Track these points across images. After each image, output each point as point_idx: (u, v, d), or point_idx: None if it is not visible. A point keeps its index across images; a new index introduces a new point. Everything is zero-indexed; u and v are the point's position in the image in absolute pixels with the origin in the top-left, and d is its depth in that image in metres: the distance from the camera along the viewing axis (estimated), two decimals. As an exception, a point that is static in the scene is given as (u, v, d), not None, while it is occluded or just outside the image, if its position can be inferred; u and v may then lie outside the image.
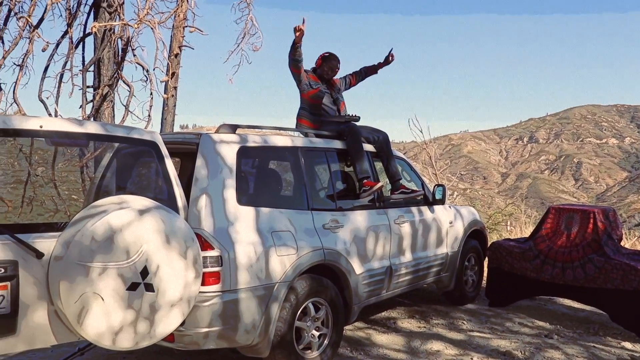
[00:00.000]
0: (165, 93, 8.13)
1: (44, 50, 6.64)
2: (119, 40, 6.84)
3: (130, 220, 3.11)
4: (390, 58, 5.92)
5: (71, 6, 6.68)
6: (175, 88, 8.51)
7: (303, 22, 5.03)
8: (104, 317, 3.00)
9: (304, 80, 5.35)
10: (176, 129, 9.65)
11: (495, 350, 4.90)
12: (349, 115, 5.30)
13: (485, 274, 7.17)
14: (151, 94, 6.92)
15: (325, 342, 4.25)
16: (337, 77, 5.64)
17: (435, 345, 4.94)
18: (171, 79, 8.25)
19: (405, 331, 5.43)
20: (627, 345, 5.30)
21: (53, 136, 3.25)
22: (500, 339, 5.23)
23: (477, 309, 6.43)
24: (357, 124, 5.25)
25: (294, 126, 5.35)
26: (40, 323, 2.98)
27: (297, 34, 5.00)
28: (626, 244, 10.52)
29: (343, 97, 5.64)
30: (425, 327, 5.64)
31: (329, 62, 5.48)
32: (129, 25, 6.70)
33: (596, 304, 5.88)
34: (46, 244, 2.98)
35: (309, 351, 4.15)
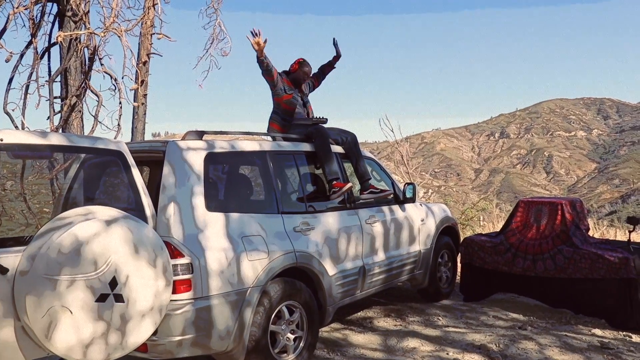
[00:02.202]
0: (134, 101, 8.02)
1: (7, 61, 6.49)
2: (86, 49, 6.73)
3: (97, 231, 3.06)
4: (339, 49, 5.96)
5: (34, 16, 6.56)
6: (144, 96, 8.41)
7: (259, 35, 5.02)
8: (73, 330, 2.94)
9: (279, 85, 5.35)
10: (148, 137, 9.56)
11: (471, 345, 4.94)
12: (316, 117, 5.30)
13: (459, 269, 7.24)
14: (120, 102, 6.82)
15: (301, 344, 4.24)
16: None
17: (412, 343, 4.96)
18: (140, 86, 8.16)
19: (381, 330, 5.44)
20: (597, 332, 5.40)
21: (15, 149, 3.18)
22: (476, 332, 5.28)
23: (452, 305, 6.48)
24: (325, 125, 5.26)
25: (265, 130, 5.33)
26: (7, 340, 2.91)
27: (256, 48, 5.01)
28: (595, 233, 10.73)
29: (309, 101, 5.66)
30: (401, 325, 5.66)
31: (304, 67, 5.50)
32: (95, 34, 6.59)
33: (565, 296, 5.97)
34: (11, 259, 2.92)
35: (285, 355, 4.13)
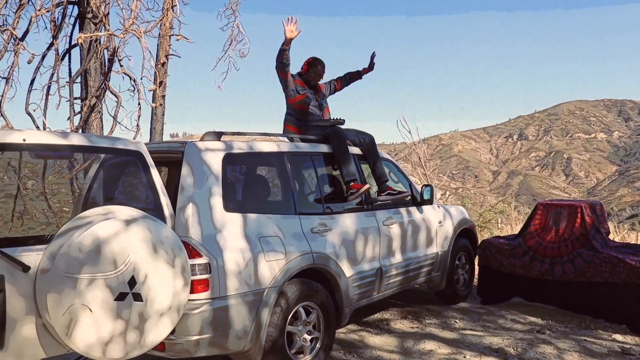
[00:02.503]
0: (153, 102, 8.07)
1: (29, 62, 6.61)
2: (105, 50, 6.81)
3: (117, 231, 3.09)
4: (373, 64, 5.93)
5: (56, 18, 6.65)
6: (163, 97, 8.46)
7: (295, 22, 5.01)
8: (93, 328, 2.98)
9: (291, 86, 5.34)
10: (166, 137, 9.62)
11: (488, 348, 4.90)
12: (333, 118, 5.30)
13: (476, 272, 7.19)
14: (139, 103, 6.89)
15: (318, 345, 4.24)
16: (322, 81, 5.64)
17: (429, 345, 4.94)
18: (159, 87, 8.21)
19: (398, 332, 5.43)
20: (618, 337, 5.33)
21: (37, 149, 3.23)
22: (493, 336, 5.24)
23: (469, 308, 6.44)
24: (343, 127, 5.26)
25: (281, 132, 5.35)
26: (29, 337, 2.96)
27: (288, 35, 4.98)
28: (616, 237, 10.58)
29: (327, 103, 5.65)
30: (418, 327, 5.64)
31: (314, 67, 5.47)
32: (114, 35, 6.67)
33: (584, 301, 5.89)
34: (33, 257, 2.96)
35: (302, 355, 4.14)
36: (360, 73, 5.95)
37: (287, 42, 5.05)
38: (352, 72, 5.97)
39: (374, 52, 5.96)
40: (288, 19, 5.03)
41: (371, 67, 5.94)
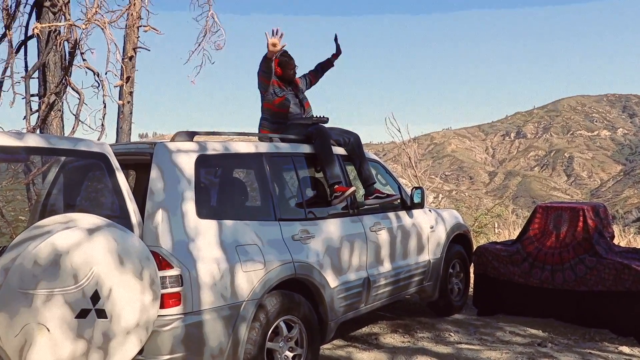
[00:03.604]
0: (119, 99, 8.01)
1: (-21, 56, 6.52)
2: (66, 42, 6.73)
3: (78, 241, 3.05)
4: (339, 46, 6.01)
5: (9, 6, 6.56)
6: (130, 93, 8.40)
7: (280, 36, 5.01)
8: (51, 350, 2.93)
9: (270, 89, 5.37)
10: (134, 138, 9.55)
11: (485, 363, 4.93)
12: (316, 116, 5.30)
13: (471, 280, 7.23)
14: (104, 101, 6.85)
15: (301, 363, 4.23)
16: (297, 76, 5.68)
17: (421, 361, 4.96)
18: (126, 83, 8.15)
19: (388, 347, 5.44)
20: (625, 349, 5.38)
21: (-12, 152, 3.18)
22: (491, 350, 5.27)
23: (464, 319, 6.47)
24: (326, 125, 5.27)
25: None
26: (-22, 361, 2.91)
27: (271, 49, 5.00)
28: (621, 241, 10.71)
29: (307, 97, 5.68)
30: (409, 341, 5.65)
31: (284, 64, 5.47)
32: (76, 25, 6.60)
33: (587, 311, 5.94)
34: (-19, 272, 2.91)
35: (283, 374, 4.12)
36: (331, 60, 6.04)
37: (272, 54, 5.08)
38: (323, 61, 6.05)
39: (335, 34, 6.06)
40: (273, 31, 5.02)
41: (338, 50, 6.04)
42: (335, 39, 6.02)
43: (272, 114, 5.41)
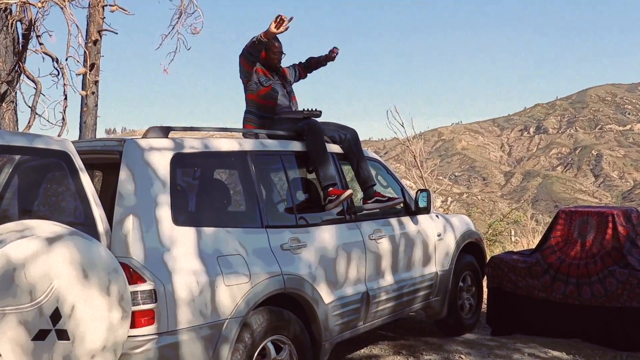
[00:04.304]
0: (83, 89, 8.02)
1: None
2: (19, 23, 6.74)
3: (36, 252, 3.06)
4: (334, 54, 6.09)
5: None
6: (95, 83, 8.40)
7: (290, 19, 5.10)
8: (4, 377, 2.95)
9: (253, 78, 5.42)
10: (100, 134, 9.55)
11: (500, 389, 4.97)
12: (308, 110, 5.33)
13: (485, 296, 7.26)
14: (64, 91, 6.86)
15: (291, 389, 4.26)
16: (285, 65, 5.75)
17: (427, 387, 5.00)
18: (90, 71, 8.15)
19: (390, 371, 5.47)
20: (660, 373, 5.42)
21: None
22: (506, 374, 5.31)
23: (477, 340, 6.51)
24: (319, 120, 5.29)
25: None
26: None
27: (273, 29, 5.06)
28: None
29: (294, 91, 5.75)
30: (414, 365, 5.69)
31: (269, 47, 5.51)
32: (30, 4, 6.60)
33: (617, 330, 5.97)
34: None
35: (271, 403, 4.15)
36: (323, 60, 6.11)
37: (268, 35, 5.13)
38: (315, 57, 6.13)
39: (334, 47, 6.13)
40: (280, 17, 5.07)
41: (333, 59, 6.12)
42: (336, 52, 6.10)
43: (258, 106, 5.44)
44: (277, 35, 5.45)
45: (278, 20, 5.06)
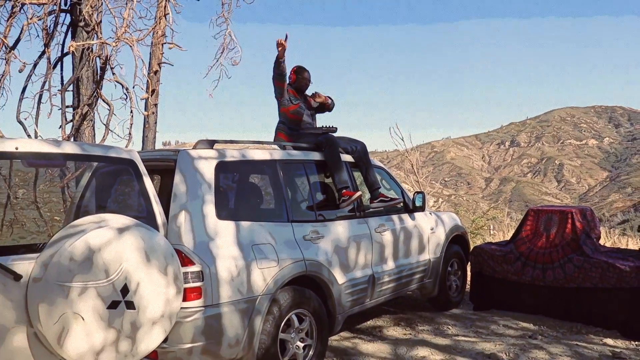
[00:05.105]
0: (145, 110, 8.08)
1: (21, 71, 6.61)
2: (98, 58, 6.81)
3: (109, 239, 3.09)
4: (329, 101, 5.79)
5: (48, 26, 6.66)
6: (155, 105, 8.46)
7: (285, 38, 5.12)
8: (85, 337, 2.97)
9: (285, 95, 5.41)
10: (158, 146, 9.60)
11: (481, 353, 4.92)
12: (326, 126, 5.34)
13: (468, 278, 7.21)
14: (131, 111, 6.89)
15: (311, 353, 4.24)
16: (309, 94, 5.72)
17: (422, 352, 4.95)
18: (151, 96, 8.21)
19: (391, 339, 5.44)
20: (609, 341, 5.36)
21: (29, 157, 3.23)
22: (485, 341, 5.26)
23: (461, 314, 6.46)
24: (335, 134, 5.30)
25: (272, 140, 5.39)
26: (20, 346, 2.94)
27: (280, 49, 5.10)
28: (607, 242, 10.66)
29: (315, 117, 5.70)
30: (410, 334, 5.65)
31: (301, 74, 5.58)
32: (107, 43, 6.67)
33: (575, 306, 5.93)
34: (24, 265, 2.95)
35: (294, 363, 4.14)
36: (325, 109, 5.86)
37: (279, 55, 5.15)
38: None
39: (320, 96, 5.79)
40: (277, 40, 5.14)
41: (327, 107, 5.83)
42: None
43: (288, 120, 5.45)
44: (304, 67, 5.56)
45: (278, 43, 5.10)
